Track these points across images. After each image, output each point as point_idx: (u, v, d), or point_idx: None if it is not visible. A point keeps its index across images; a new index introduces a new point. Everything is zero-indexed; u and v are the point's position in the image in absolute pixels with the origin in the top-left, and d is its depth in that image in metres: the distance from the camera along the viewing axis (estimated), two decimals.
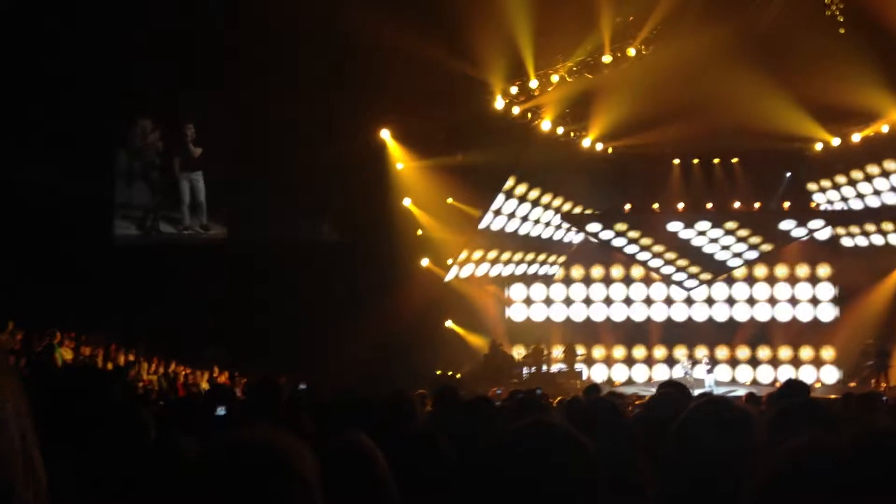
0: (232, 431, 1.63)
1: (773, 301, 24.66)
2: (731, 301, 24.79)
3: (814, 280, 24.56)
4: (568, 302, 25.23)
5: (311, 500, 1.53)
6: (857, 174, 21.81)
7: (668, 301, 24.92)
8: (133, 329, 16.84)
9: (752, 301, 24.73)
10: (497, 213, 21.68)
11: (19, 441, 1.08)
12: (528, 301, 25.22)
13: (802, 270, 24.66)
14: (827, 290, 24.43)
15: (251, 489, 1.49)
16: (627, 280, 25.13)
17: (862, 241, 23.23)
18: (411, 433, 3.40)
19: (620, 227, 23.12)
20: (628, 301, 25.08)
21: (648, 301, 25.03)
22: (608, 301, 25.10)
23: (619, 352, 24.91)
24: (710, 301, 24.78)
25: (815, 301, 24.49)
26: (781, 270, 24.74)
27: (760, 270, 24.84)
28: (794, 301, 24.56)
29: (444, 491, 2.95)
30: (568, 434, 1.68)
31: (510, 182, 20.95)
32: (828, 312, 24.38)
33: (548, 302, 25.24)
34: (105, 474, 2.98)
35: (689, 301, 24.82)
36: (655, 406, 3.97)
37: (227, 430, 3.95)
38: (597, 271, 25.26)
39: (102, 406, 3.40)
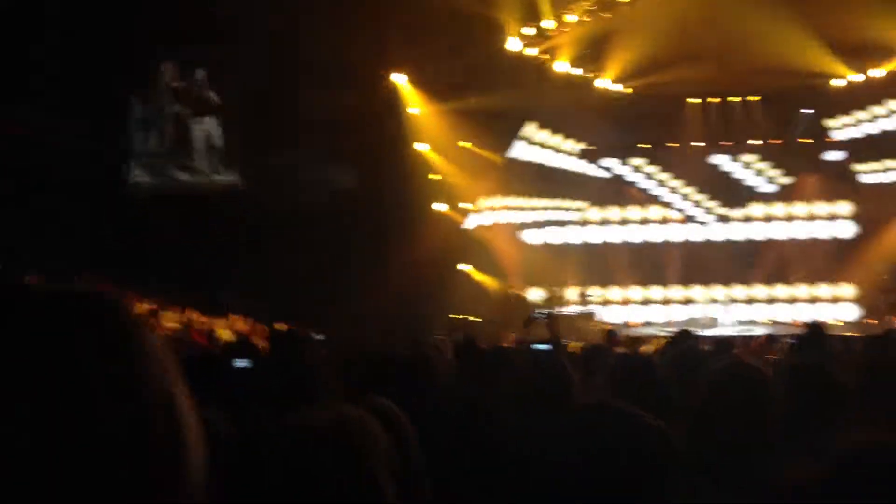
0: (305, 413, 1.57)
1: (791, 240, 24.50)
2: (748, 240, 24.62)
3: (833, 217, 24.35)
4: (585, 243, 25.09)
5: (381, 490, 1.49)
6: (879, 109, 21.46)
7: (686, 242, 24.79)
8: (149, 277, 16.94)
9: (769, 240, 24.57)
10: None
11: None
12: (545, 243, 25.14)
13: (822, 207, 24.43)
14: (846, 227, 24.23)
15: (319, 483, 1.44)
16: (645, 220, 24.99)
17: (882, 178, 22.96)
18: (434, 400, 3.41)
19: (637, 161, 23.10)
20: (645, 242, 24.93)
21: (666, 242, 24.89)
22: (625, 241, 24.94)
23: (635, 292, 24.86)
24: (727, 241, 24.62)
25: (833, 239, 24.31)
26: (800, 208, 24.51)
27: (778, 209, 24.61)
28: (812, 239, 24.40)
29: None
30: (635, 417, 1.66)
31: (531, 128, 20.76)
32: (847, 250, 24.21)
33: (564, 243, 25.11)
34: None
35: (707, 241, 24.68)
36: (672, 364, 3.96)
37: (255, 388, 3.93)
38: (614, 212, 25.09)
39: None
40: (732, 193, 23.83)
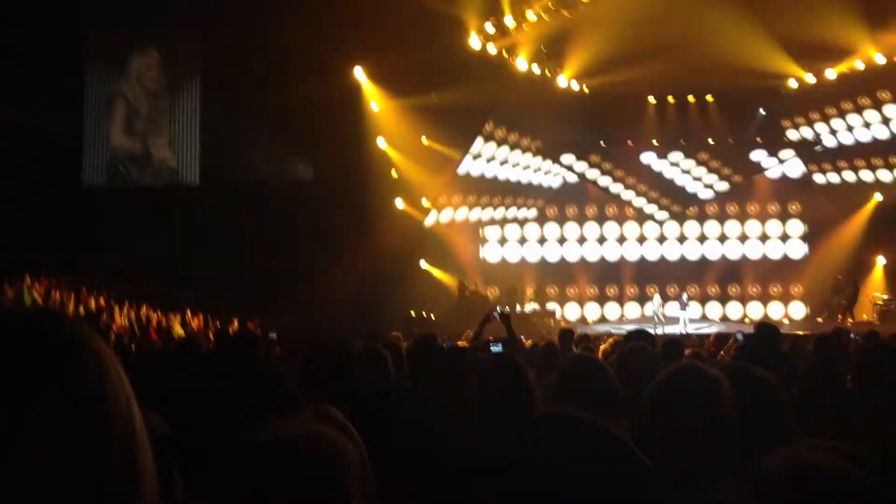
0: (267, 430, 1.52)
1: (743, 238, 24.90)
2: (702, 239, 24.97)
3: (784, 217, 24.78)
4: (542, 241, 25.31)
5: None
6: (830, 110, 21.82)
7: (641, 240, 25.08)
8: (104, 272, 16.73)
9: (722, 238, 24.94)
10: (476, 157, 21.60)
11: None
12: (503, 241, 25.28)
13: (773, 208, 24.85)
14: (797, 227, 24.67)
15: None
16: (601, 219, 25.23)
17: (834, 178, 23.40)
18: (387, 401, 3.43)
19: (594, 159, 23.41)
20: (602, 240, 25.20)
21: (622, 240, 25.17)
22: (581, 240, 25.21)
23: (592, 290, 25.11)
24: (681, 239, 24.96)
25: (784, 238, 24.74)
26: (752, 208, 24.91)
27: (731, 208, 25.00)
28: (764, 238, 24.81)
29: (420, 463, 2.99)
30: (596, 424, 1.66)
31: (489, 126, 20.84)
32: (797, 249, 24.64)
33: (522, 242, 25.31)
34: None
35: (662, 239, 24.99)
36: (625, 364, 4.01)
37: (203, 392, 3.90)
38: (571, 212, 25.29)
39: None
40: (684, 194, 24.17)
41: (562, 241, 25.24)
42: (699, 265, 24.73)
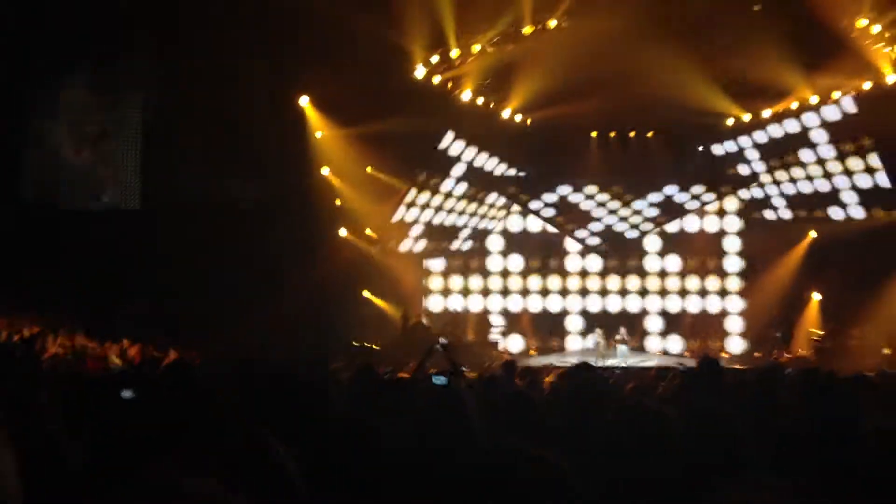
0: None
1: (683, 293, 25.09)
2: (642, 293, 25.11)
3: (720, 253, 25.08)
4: (485, 293, 25.27)
5: None
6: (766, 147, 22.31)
7: (584, 292, 25.17)
8: (36, 299, 16.29)
9: (662, 293, 25.10)
10: (410, 205, 21.61)
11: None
12: (447, 272, 25.22)
13: (711, 261, 25.08)
14: (735, 263, 25.05)
15: None
16: (543, 269, 25.27)
17: (770, 215, 23.90)
18: (332, 424, 3.34)
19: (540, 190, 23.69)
20: (544, 292, 25.22)
21: (564, 292, 25.19)
22: (524, 293, 25.24)
23: (537, 323, 25.16)
24: (623, 293, 25.12)
25: (723, 293, 24.97)
26: (691, 262, 25.11)
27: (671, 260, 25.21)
28: (703, 293, 25.03)
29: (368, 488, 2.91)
30: (539, 458, 1.64)
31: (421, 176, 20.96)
32: (735, 285, 24.98)
33: (465, 292, 25.25)
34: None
35: (604, 292, 25.13)
36: (571, 396, 4.00)
37: (138, 417, 3.80)
38: (514, 260, 25.29)
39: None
40: (613, 234, 24.51)
41: (505, 292, 25.25)
42: (639, 316, 24.94)
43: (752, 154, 22.67)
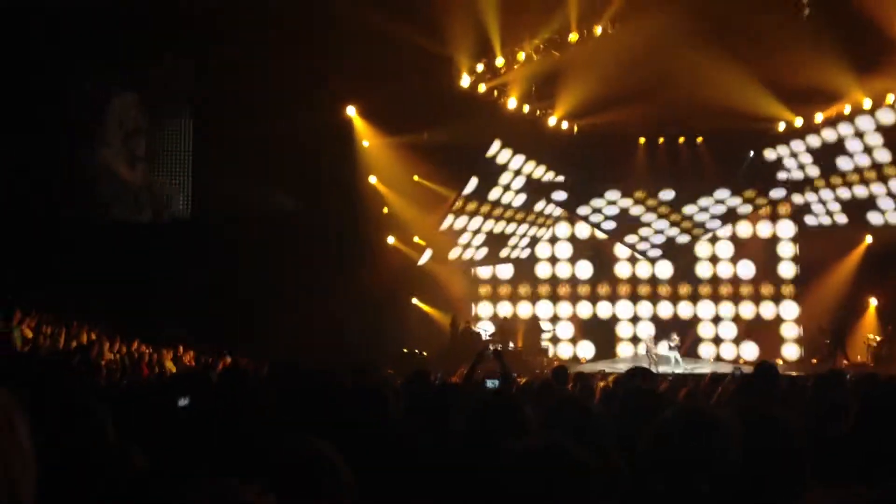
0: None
1: (736, 298, 24.77)
2: (695, 298, 24.86)
3: (774, 258, 24.74)
4: (534, 299, 25.18)
5: None
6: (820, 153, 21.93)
7: (634, 297, 24.97)
8: (93, 307, 16.61)
9: (716, 298, 24.82)
10: (466, 200, 21.55)
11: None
12: (495, 279, 25.19)
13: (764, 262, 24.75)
14: (789, 268, 24.67)
15: None
16: (593, 275, 25.14)
17: (825, 220, 23.47)
18: (388, 434, 3.36)
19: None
20: (594, 298, 25.06)
21: (614, 298, 25.01)
22: (574, 299, 25.10)
23: (586, 330, 25.02)
24: (674, 299, 24.87)
25: (777, 299, 24.61)
26: (744, 265, 24.80)
27: (725, 250, 24.96)
28: (757, 298, 24.69)
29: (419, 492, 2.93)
30: (575, 457, 1.65)
31: (494, 148, 20.70)
32: (789, 302, 24.56)
33: (513, 300, 25.20)
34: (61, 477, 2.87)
35: (655, 298, 24.90)
36: (625, 402, 3.97)
37: (194, 423, 3.86)
38: (564, 267, 25.19)
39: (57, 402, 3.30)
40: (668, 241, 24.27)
41: (554, 298, 25.13)
42: (691, 321, 24.70)
43: (805, 158, 22.29)
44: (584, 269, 25.19)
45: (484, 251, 23.86)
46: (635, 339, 24.33)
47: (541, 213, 24.19)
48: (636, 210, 23.78)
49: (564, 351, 24.55)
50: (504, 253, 24.48)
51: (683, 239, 24.26)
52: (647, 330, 23.99)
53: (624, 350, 24.51)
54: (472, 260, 23.93)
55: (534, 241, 24.88)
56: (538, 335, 24.04)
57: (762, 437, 2.31)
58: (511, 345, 22.25)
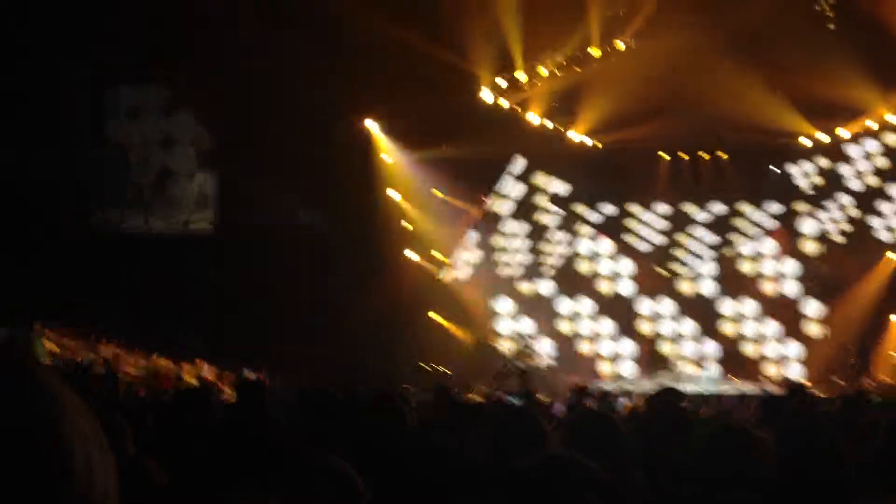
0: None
1: (759, 318, 24.38)
2: (718, 318, 24.46)
3: (796, 275, 24.42)
4: (555, 317, 24.81)
5: None
6: (845, 169, 21.69)
7: (656, 317, 24.63)
8: (115, 321, 16.67)
9: (738, 316, 24.46)
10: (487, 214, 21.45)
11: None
12: (517, 296, 24.99)
13: (788, 267, 24.40)
14: (811, 286, 24.32)
15: None
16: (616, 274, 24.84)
17: (847, 237, 23.19)
18: (407, 447, 3.30)
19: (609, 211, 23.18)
20: (616, 316, 24.67)
21: (636, 316, 24.63)
22: (595, 317, 24.75)
23: (606, 347, 24.73)
24: (695, 317, 24.52)
25: (799, 315, 24.26)
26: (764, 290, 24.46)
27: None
28: (781, 318, 24.30)
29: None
30: (588, 469, 1.60)
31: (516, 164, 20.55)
32: (812, 321, 24.21)
33: (534, 316, 24.91)
34: None
35: (676, 317, 24.59)
36: (654, 420, 3.88)
37: (214, 438, 3.80)
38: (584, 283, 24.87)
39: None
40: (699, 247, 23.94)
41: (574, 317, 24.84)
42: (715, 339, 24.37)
43: (829, 175, 22.09)
44: (625, 286, 24.81)
45: (519, 269, 23.69)
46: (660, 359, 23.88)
47: (560, 227, 23.95)
48: (659, 224, 23.39)
49: (587, 369, 24.34)
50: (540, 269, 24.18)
51: (706, 254, 23.93)
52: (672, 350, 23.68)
53: (647, 368, 24.17)
54: (494, 276, 23.69)
55: (555, 257, 24.68)
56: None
57: (807, 456, 2.23)
58: (531, 362, 22.03)
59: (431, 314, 22.58)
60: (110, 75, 19.88)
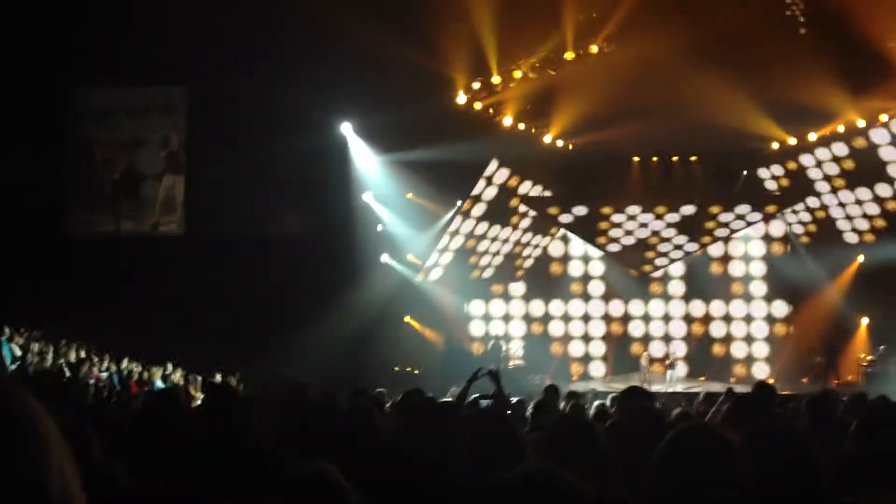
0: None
1: (727, 318, 24.72)
2: (687, 319, 24.79)
3: (765, 277, 24.69)
4: (527, 319, 25.03)
5: None
6: (813, 173, 21.93)
7: (626, 318, 24.87)
8: (84, 325, 16.51)
9: (707, 318, 24.75)
10: (454, 234, 21.49)
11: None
12: (488, 297, 25.07)
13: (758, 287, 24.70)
14: (779, 288, 24.60)
15: None
16: (585, 296, 25.06)
17: (815, 239, 23.48)
18: (375, 450, 3.30)
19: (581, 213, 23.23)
20: (586, 317, 24.97)
21: (607, 318, 24.92)
22: (566, 318, 24.97)
23: (576, 348, 24.90)
24: (666, 318, 24.82)
25: (768, 316, 24.57)
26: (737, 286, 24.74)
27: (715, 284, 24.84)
28: (749, 319, 24.66)
29: None
30: (568, 483, 1.61)
31: (491, 167, 20.58)
32: (779, 322, 24.53)
33: (506, 319, 25.04)
34: None
35: (646, 318, 24.84)
36: (628, 424, 3.90)
37: (183, 442, 3.78)
38: (555, 283, 25.01)
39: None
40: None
41: (546, 317, 25.00)
42: (683, 339, 24.65)
43: (799, 178, 22.32)
44: (596, 288, 25.03)
45: (491, 271, 23.78)
46: (631, 359, 24.14)
47: (531, 230, 24.04)
48: (629, 225, 23.52)
49: (576, 368, 24.57)
50: (486, 273, 24.29)
51: (677, 255, 24.07)
52: (644, 348, 23.88)
53: (617, 369, 24.37)
54: (465, 278, 23.74)
55: (526, 258, 24.79)
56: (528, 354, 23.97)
57: (777, 456, 2.27)
58: (503, 364, 22.11)
59: (406, 318, 22.59)
60: (79, 77, 19.71)
